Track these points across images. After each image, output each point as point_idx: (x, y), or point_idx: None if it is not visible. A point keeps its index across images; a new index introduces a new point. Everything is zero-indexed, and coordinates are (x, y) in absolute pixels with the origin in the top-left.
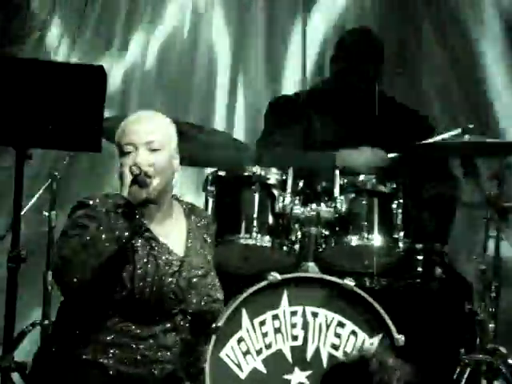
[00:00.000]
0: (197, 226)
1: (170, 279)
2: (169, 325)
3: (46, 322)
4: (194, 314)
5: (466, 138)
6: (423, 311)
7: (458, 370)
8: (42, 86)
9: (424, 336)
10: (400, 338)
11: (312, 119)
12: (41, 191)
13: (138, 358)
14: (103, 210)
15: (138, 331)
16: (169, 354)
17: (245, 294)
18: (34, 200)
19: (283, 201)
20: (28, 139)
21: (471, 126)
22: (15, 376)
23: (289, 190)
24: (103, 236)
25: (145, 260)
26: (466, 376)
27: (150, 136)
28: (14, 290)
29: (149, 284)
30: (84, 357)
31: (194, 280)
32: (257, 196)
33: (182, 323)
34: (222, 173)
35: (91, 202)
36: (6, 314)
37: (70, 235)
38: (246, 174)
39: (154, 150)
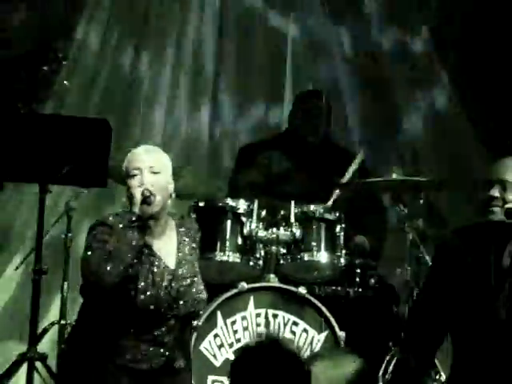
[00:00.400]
0: (186, 236)
1: (164, 291)
2: (164, 328)
3: (63, 321)
4: (183, 316)
5: (394, 176)
6: (360, 313)
7: (387, 358)
8: (60, 135)
9: (361, 332)
10: (342, 335)
11: (273, 162)
12: (59, 218)
13: (140, 357)
14: (119, 226)
15: (140, 335)
16: (162, 350)
17: (219, 300)
18: (54, 224)
19: (250, 226)
20: (49, 177)
21: (397, 167)
22: (38, 365)
23: (254, 217)
24: (123, 247)
25: (145, 275)
26: (393, 363)
27: (152, 162)
28: (37, 296)
29: (148, 296)
30: (99, 356)
31: (182, 289)
32: (229, 222)
33: (174, 325)
34: (201, 203)
35: (107, 221)
36: (32, 316)
37: (94, 248)
38: (220, 204)
39: (155, 173)
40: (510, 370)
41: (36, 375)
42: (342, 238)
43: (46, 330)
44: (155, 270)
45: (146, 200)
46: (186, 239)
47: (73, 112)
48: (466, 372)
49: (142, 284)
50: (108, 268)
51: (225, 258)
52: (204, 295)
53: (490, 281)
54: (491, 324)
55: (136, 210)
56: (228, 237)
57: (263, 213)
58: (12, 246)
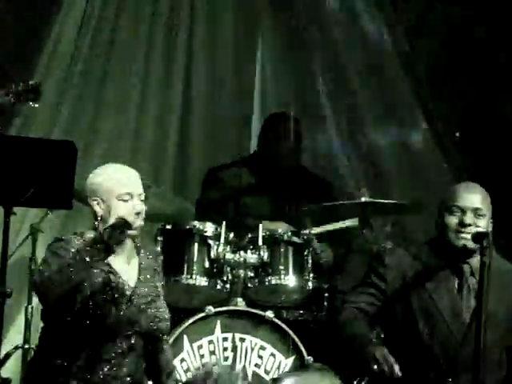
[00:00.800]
0: (147, 259)
1: (124, 306)
2: (125, 346)
3: (26, 345)
4: (145, 333)
5: (362, 199)
6: (329, 338)
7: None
8: (25, 157)
9: (329, 358)
10: (310, 359)
11: (241, 184)
12: (22, 241)
13: (103, 377)
14: (77, 243)
15: (101, 354)
16: (125, 369)
17: (186, 323)
18: (17, 247)
19: (217, 249)
20: (13, 199)
21: (364, 190)
22: None
23: (222, 240)
24: (76, 264)
25: (103, 291)
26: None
27: (141, 189)
28: (0, 319)
29: (107, 311)
30: (60, 379)
31: (143, 306)
32: (196, 245)
33: (136, 343)
34: (168, 226)
35: (65, 238)
36: None
37: (49, 263)
38: (187, 227)
39: (142, 201)
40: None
41: None
42: (309, 261)
43: (9, 355)
44: (113, 285)
45: (129, 226)
46: (148, 262)
47: (39, 133)
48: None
49: (101, 300)
50: (58, 279)
51: (191, 282)
52: (166, 314)
53: (444, 307)
54: (446, 351)
55: (101, 229)
56: (195, 260)
57: (231, 235)
58: None
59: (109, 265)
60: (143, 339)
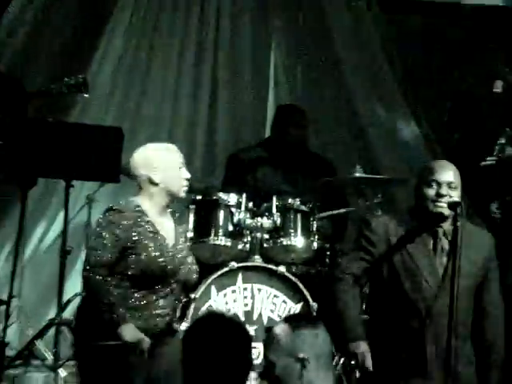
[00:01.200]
0: (181, 230)
1: (168, 260)
2: (168, 289)
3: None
4: (183, 281)
5: (357, 174)
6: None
7: None
8: (82, 140)
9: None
10: (314, 305)
11: (258, 165)
12: (80, 209)
13: (148, 316)
14: (130, 211)
15: (148, 297)
16: (166, 310)
17: (213, 276)
18: (76, 214)
19: (239, 215)
20: (72, 174)
21: (359, 167)
22: (64, 329)
23: (242, 208)
24: (131, 229)
25: (152, 248)
26: None
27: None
28: (63, 272)
29: (157, 265)
30: (113, 316)
31: (181, 261)
32: (221, 212)
33: (175, 288)
34: (199, 197)
35: (118, 207)
36: (58, 288)
37: (102, 237)
38: (214, 197)
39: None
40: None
41: (61, 336)
42: (314, 226)
43: (70, 301)
44: (160, 244)
45: (141, 351)
46: (181, 233)
47: (93, 120)
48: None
49: (152, 254)
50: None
51: (218, 242)
52: (197, 268)
53: (422, 264)
54: (424, 300)
55: (158, 194)
56: (220, 224)
57: (250, 204)
58: (45, 229)
59: (153, 225)
60: (180, 286)
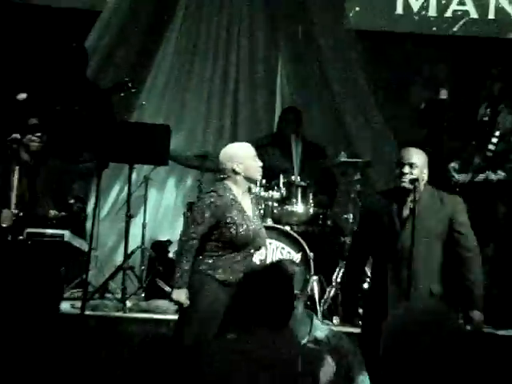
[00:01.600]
0: (254, 202)
1: (250, 231)
2: (251, 251)
3: (143, 246)
4: (258, 246)
5: (342, 158)
6: (322, 242)
7: (338, 267)
8: (140, 135)
9: (322, 254)
10: (311, 255)
11: (268, 153)
12: (139, 185)
13: (233, 271)
14: (227, 195)
15: (236, 256)
16: (244, 267)
17: None
18: (136, 189)
19: (255, 189)
20: (133, 160)
21: (344, 153)
22: (130, 274)
23: (258, 184)
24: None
25: (239, 222)
26: (341, 271)
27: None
28: (127, 230)
29: (242, 233)
30: (208, 272)
31: (258, 229)
32: None
33: (252, 251)
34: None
35: (219, 191)
36: (125, 242)
37: (196, 222)
38: None
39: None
40: (404, 280)
41: (128, 279)
42: (311, 197)
43: (133, 252)
44: (245, 218)
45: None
46: (254, 204)
47: (148, 119)
48: (378, 279)
49: (239, 227)
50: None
51: None
52: (265, 235)
53: (395, 225)
54: (396, 250)
55: (240, 181)
56: None
57: (263, 181)
58: (114, 199)
59: (240, 204)
60: (255, 250)
